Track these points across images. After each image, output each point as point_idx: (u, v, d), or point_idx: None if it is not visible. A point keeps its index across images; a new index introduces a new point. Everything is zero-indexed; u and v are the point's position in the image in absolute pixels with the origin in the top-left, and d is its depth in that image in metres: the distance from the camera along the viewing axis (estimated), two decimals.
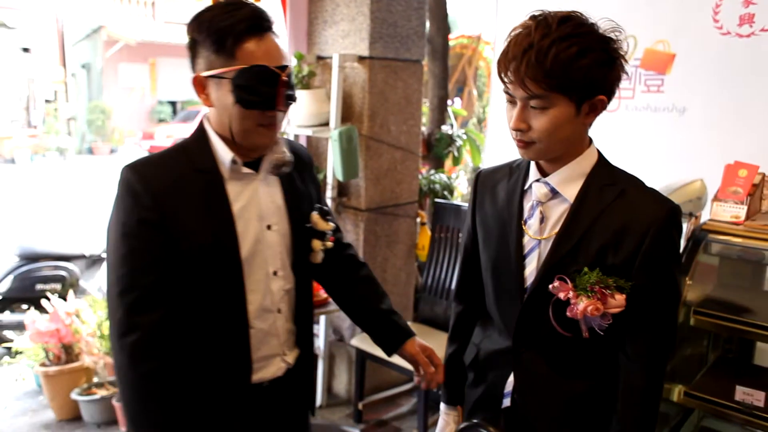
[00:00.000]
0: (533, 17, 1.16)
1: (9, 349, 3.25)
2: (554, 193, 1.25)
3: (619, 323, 1.20)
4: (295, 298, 1.42)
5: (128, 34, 17.48)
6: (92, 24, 18.03)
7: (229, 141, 1.28)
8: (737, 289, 1.93)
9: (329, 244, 1.44)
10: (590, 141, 1.27)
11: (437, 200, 3.25)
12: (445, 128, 3.90)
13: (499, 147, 3.19)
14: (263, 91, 1.21)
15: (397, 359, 2.77)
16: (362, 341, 2.98)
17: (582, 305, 1.17)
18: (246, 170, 1.30)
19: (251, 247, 1.30)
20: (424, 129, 3.90)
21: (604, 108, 1.20)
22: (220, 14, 1.21)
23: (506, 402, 1.33)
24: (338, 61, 2.93)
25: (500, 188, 1.35)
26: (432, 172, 3.64)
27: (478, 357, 1.42)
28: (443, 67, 3.96)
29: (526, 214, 1.28)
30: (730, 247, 1.80)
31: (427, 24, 3.82)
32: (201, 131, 1.32)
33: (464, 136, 3.92)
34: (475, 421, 1.36)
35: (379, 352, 2.84)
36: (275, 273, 1.35)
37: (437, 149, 3.82)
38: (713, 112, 2.79)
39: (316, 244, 1.41)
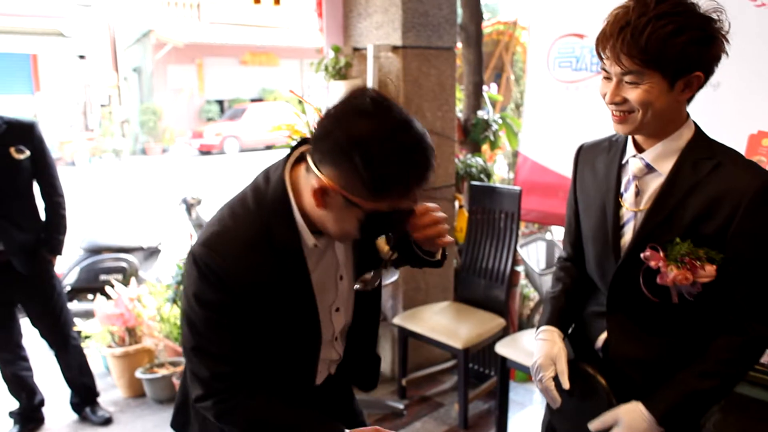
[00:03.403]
0: None
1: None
2: (649, 168, 1.31)
3: (710, 291, 1.25)
4: (351, 327, 1.40)
5: (176, 37, 18.03)
6: (142, 28, 18.67)
7: (309, 219, 1.19)
8: None
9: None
10: (687, 116, 1.31)
11: (473, 183, 3.34)
12: (481, 113, 3.97)
13: (535, 131, 3.25)
14: (392, 225, 1.17)
15: (436, 336, 2.89)
16: (404, 320, 3.10)
17: (672, 274, 1.22)
18: (323, 242, 1.23)
19: (323, 303, 1.28)
20: (459, 114, 3.98)
21: (700, 85, 1.24)
22: (393, 153, 1.02)
23: (599, 354, 1.43)
24: (373, 51, 3.05)
25: (599, 161, 1.43)
26: (469, 156, 3.72)
27: (578, 316, 1.51)
28: (477, 54, 4.02)
29: (623, 188, 1.36)
30: None
31: (460, 12, 3.90)
32: (286, 210, 1.17)
33: (500, 121, 3.98)
34: (577, 361, 1.42)
35: (419, 330, 2.98)
36: (337, 309, 1.33)
37: (474, 134, 3.89)
38: (747, 85, 2.78)
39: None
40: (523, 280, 3.68)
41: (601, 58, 1.24)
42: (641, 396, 1.31)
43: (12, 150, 2.70)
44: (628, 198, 1.33)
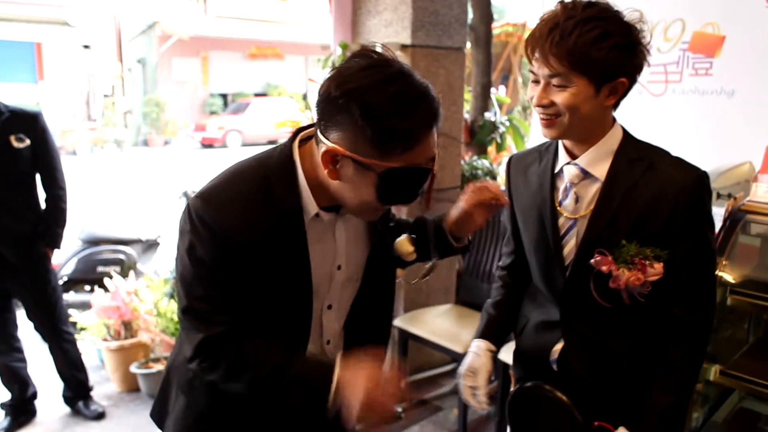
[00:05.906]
0: (561, 2, 1.23)
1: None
2: (585, 174, 1.31)
3: (658, 288, 1.26)
4: (346, 335, 1.31)
5: (181, 29, 17.97)
6: (147, 20, 18.60)
7: (318, 190, 1.13)
8: None
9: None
10: (614, 119, 1.32)
11: None
12: (488, 115, 3.93)
13: (542, 134, 3.21)
14: (410, 189, 1.08)
15: (437, 339, 2.85)
16: (404, 322, 3.06)
17: (624, 277, 1.23)
18: (327, 216, 1.17)
19: (316, 285, 1.20)
20: (467, 116, 3.94)
21: (624, 91, 1.25)
22: (396, 106, 0.99)
23: (554, 367, 1.41)
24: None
25: (531, 172, 1.42)
26: (475, 158, 3.68)
27: (527, 327, 1.49)
28: (486, 55, 3.98)
29: (560, 196, 1.35)
30: None
31: (470, 12, 3.85)
32: (290, 172, 1.13)
33: (507, 123, 3.94)
34: (531, 383, 1.41)
35: (420, 333, 2.93)
36: (329, 307, 1.26)
37: (480, 136, 3.85)
38: (763, 94, 2.73)
39: (399, 272, 1.31)
40: None
41: (529, 60, 1.25)
42: (603, 404, 1.34)
43: (12, 138, 2.67)
44: (567, 205, 1.33)
